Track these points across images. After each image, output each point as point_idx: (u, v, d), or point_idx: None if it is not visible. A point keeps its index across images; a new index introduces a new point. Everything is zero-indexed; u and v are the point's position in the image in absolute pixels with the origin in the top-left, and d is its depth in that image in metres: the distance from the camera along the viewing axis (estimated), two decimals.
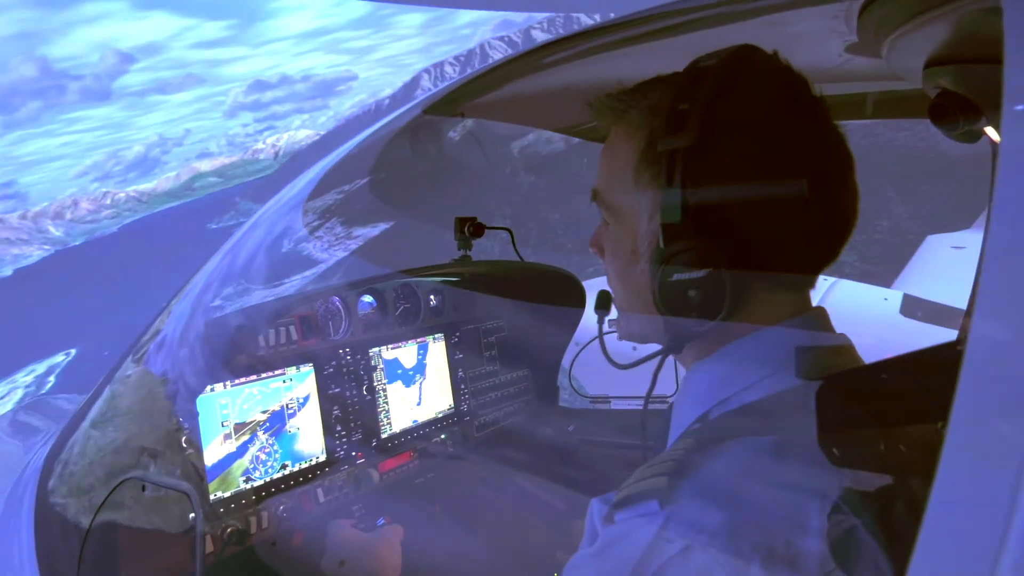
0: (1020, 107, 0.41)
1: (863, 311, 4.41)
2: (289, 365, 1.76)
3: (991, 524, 0.38)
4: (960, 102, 0.79)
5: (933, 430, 0.61)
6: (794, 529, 0.58)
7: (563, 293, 2.18)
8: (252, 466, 1.67)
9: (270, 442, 1.71)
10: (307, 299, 1.82)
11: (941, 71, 0.83)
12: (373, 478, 1.88)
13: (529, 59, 1.16)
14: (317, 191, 1.62)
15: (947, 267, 5.46)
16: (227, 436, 1.63)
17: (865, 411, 0.58)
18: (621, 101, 0.77)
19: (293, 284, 1.86)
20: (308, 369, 1.81)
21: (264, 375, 1.71)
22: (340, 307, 1.90)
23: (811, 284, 0.76)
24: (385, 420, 1.98)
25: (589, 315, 2.19)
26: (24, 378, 34.65)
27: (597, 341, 2.06)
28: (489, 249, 2.17)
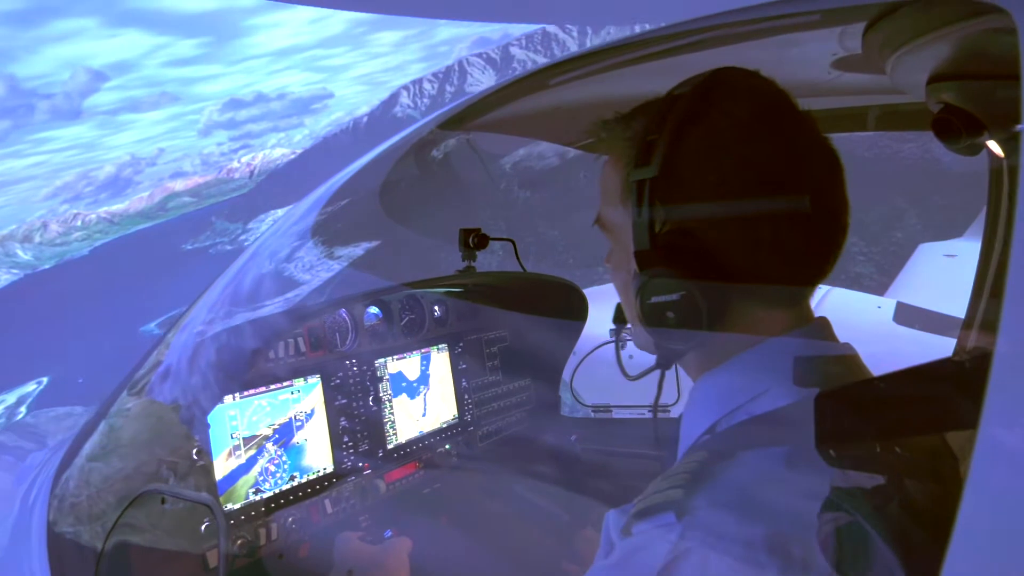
0: None
1: (857, 319, 4.51)
2: (297, 377, 1.79)
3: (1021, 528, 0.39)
4: (963, 117, 0.83)
5: (941, 439, 0.66)
6: (810, 537, 0.59)
7: (566, 303, 2.23)
8: (262, 478, 1.69)
9: (279, 453, 1.73)
10: (315, 312, 1.85)
11: (945, 86, 0.87)
12: (380, 489, 1.91)
13: (553, 72, 1.21)
14: (324, 213, 1.66)
15: (939, 275, 5.59)
16: (236, 448, 1.65)
17: (871, 421, 0.61)
18: (609, 129, 0.82)
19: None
20: (315, 381, 1.83)
21: (272, 387, 1.73)
22: (347, 319, 1.94)
23: (805, 296, 0.78)
24: (391, 431, 2.01)
25: (589, 325, 2.26)
26: None
27: (597, 352, 2.11)
28: (488, 265, 2.21)
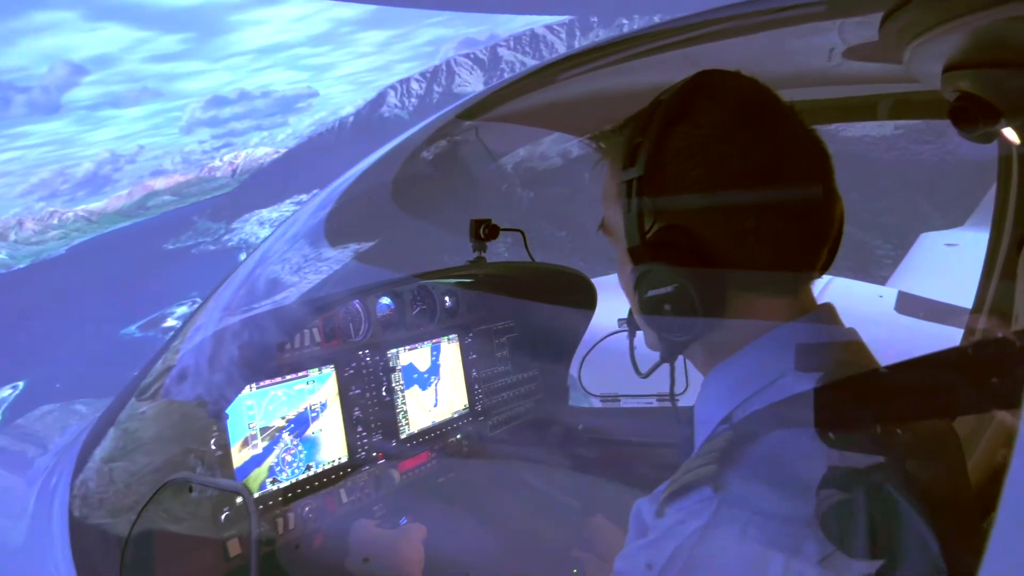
0: None
1: (859, 308, 4.59)
2: (311, 367, 1.81)
3: None
4: (980, 105, 0.86)
5: (956, 421, 0.70)
6: (844, 508, 0.61)
7: (575, 293, 2.27)
8: (278, 468, 1.70)
9: (294, 443, 1.75)
10: (330, 302, 1.87)
11: (961, 75, 0.90)
12: (394, 478, 1.94)
13: (564, 66, 1.24)
14: (336, 208, 1.68)
15: (941, 264, 5.67)
16: (252, 438, 1.68)
17: (873, 407, 0.65)
18: (606, 139, 0.86)
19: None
20: (329, 371, 1.86)
21: (288, 377, 1.75)
22: (360, 309, 1.96)
23: (804, 284, 0.81)
24: (404, 420, 2.04)
25: (597, 316, 2.29)
26: None
27: (603, 343, 2.15)
28: (498, 256, 2.24)
